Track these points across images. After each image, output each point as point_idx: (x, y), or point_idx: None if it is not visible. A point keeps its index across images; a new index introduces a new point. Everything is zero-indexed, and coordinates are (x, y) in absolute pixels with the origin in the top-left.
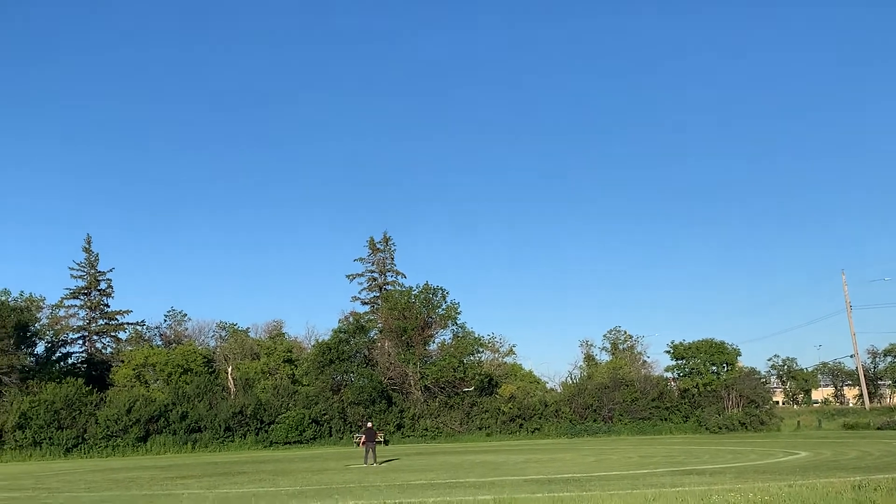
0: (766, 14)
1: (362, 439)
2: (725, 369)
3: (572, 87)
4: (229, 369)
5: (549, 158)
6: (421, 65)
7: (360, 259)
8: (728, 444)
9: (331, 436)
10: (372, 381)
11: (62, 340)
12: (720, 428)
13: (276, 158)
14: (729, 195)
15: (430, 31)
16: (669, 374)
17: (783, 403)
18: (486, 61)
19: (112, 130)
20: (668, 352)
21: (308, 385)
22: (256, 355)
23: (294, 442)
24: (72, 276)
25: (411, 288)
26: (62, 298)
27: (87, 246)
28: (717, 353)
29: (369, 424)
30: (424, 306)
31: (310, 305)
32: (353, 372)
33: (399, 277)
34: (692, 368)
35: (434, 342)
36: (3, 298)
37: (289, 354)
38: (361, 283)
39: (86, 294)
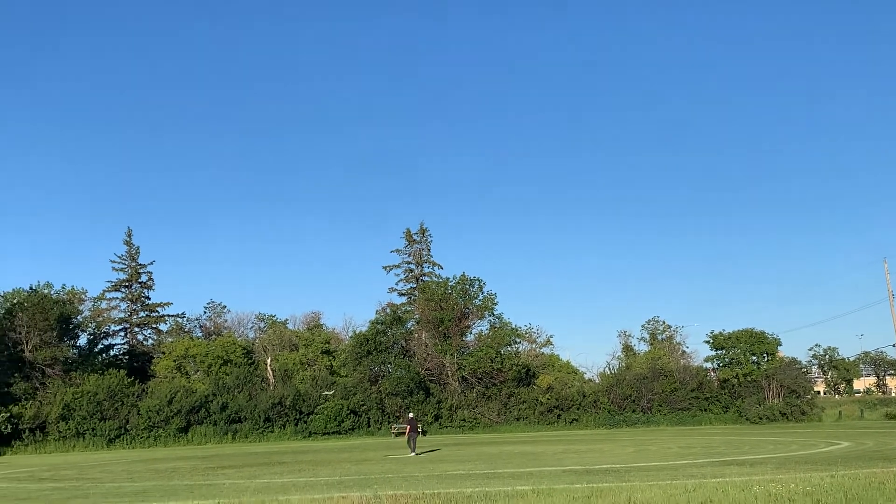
0: None
1: (407, 429)
2: (766, 359)
3: (617, 75)
4: (268, 360)
5: (585, 146)
6: (443, 53)
7: (397, 250)
8: (769, 435)
9: (369, 426)
10: (409, 372)
11: (104, 332)
12: (761, 418)
13: (313, 149)
14: (768, 183)
15: (460, 18)
16: (709, 365)
17: (824, 393)
18: (517, 49)
19: (151, 123)
20: (707, 342)
21: (346, 376)
22: (295, 346)
23: (332, 432)
24: (113, 268)
25: (448, 279)
26: (104, 291)
27: (128, 239)
28: (758, 343)
29: (411, 415)
30: (461, 297)
31: (347, 297)
32: (390, 363)
33: (436, 268)
34: (732, 358)
35: (471, 333)
36: (46, 291)
37: (327, 346)
38: (398, 275)
39: (127, 286)
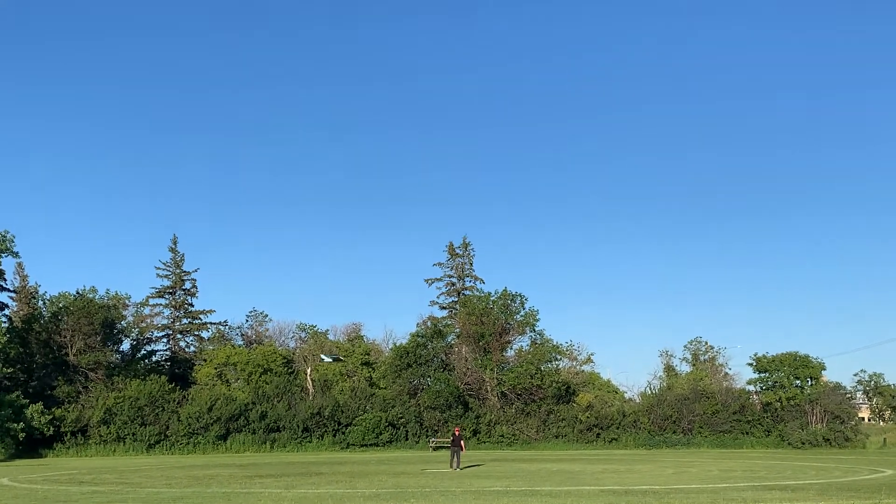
0: None
1: (463, 444)
2: (810, 383)
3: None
4: (308, 370)
5: (630, 161)
6: (485, 56)
7: (439, 264)
8: (811, 460)
9: (407, 439)
10: (449, 386)
11: (147, 338)
12: (803, 443)
13: (357, 160)
14: (816, 206)
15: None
16: (751, 388)
17: (869, 420)
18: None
19: (198, 130)
20: (750, 364)
21: (385, 388)
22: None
23: (370, 444)
24: (158, 275)
25: (489, 293)
26: (148, 297)
27: (174, 246)
28: (802, 367)
29: (458, 431)
30: (502, 312)
31: (388, 309)
32: (430, 376)
33: (477, 283)
34: (775, 382)
35: (511, 348)
36: (91, 296)
37: (367, 357)
38: (440, 288)
39: (171, 293)
